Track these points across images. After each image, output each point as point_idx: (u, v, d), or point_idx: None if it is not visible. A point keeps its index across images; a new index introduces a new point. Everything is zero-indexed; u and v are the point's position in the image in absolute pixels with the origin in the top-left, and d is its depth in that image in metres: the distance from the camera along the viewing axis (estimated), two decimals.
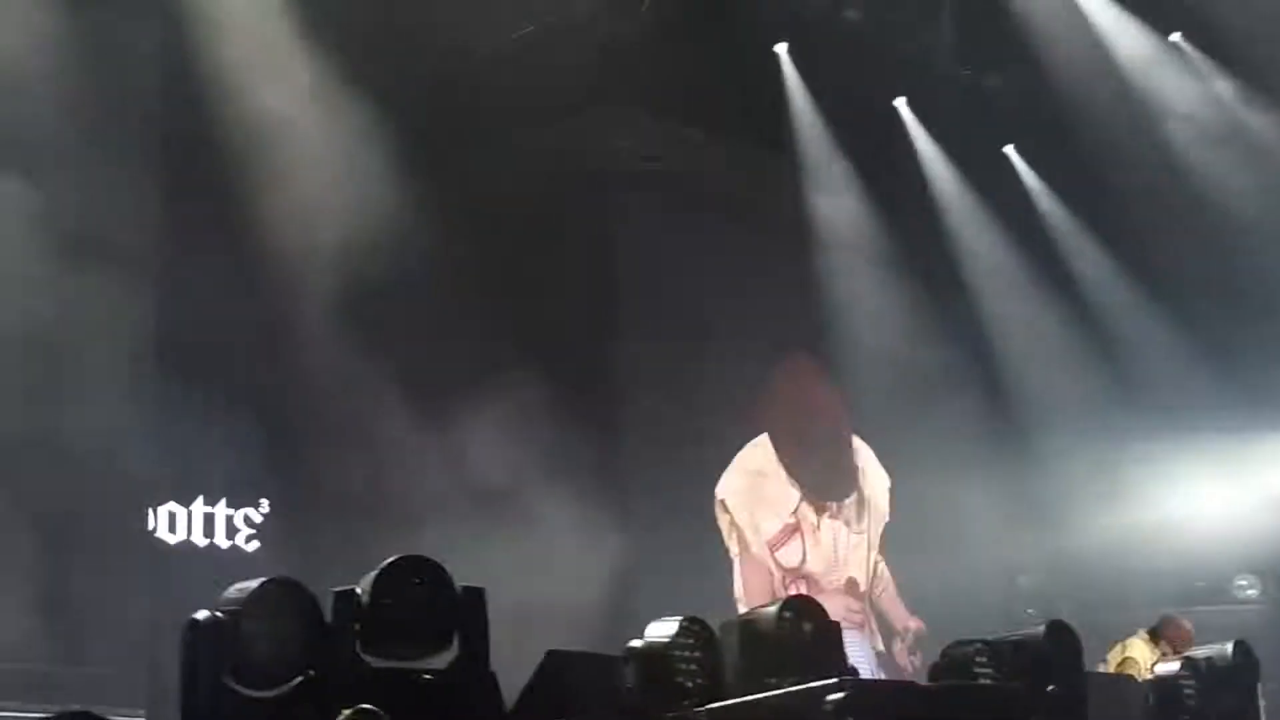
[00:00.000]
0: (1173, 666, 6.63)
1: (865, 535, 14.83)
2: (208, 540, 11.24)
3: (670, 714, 4.59)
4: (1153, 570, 14.67)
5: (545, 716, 5.13)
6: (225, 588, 4.48)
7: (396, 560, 4.57)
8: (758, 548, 13.99)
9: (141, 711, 9.13)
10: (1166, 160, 14.44)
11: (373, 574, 4.54)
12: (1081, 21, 14.02)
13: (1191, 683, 6.55)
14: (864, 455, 15.09)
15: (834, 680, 4.22)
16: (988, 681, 5.50)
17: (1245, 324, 15.13)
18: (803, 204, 14.78)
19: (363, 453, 11.32)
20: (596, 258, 13.51)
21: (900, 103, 15.08)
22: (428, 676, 4.72)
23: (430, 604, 4.56)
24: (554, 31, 12.43)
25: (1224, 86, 14.38)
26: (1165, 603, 14.13)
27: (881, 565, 14.96)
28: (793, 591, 13.41)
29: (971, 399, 15.21)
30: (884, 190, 15.15)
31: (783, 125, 14.30)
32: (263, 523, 11.46)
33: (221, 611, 4.34)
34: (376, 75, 11.11)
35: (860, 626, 14.14)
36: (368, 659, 4.57)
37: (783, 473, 14.23)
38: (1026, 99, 14.85)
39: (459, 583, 4.75)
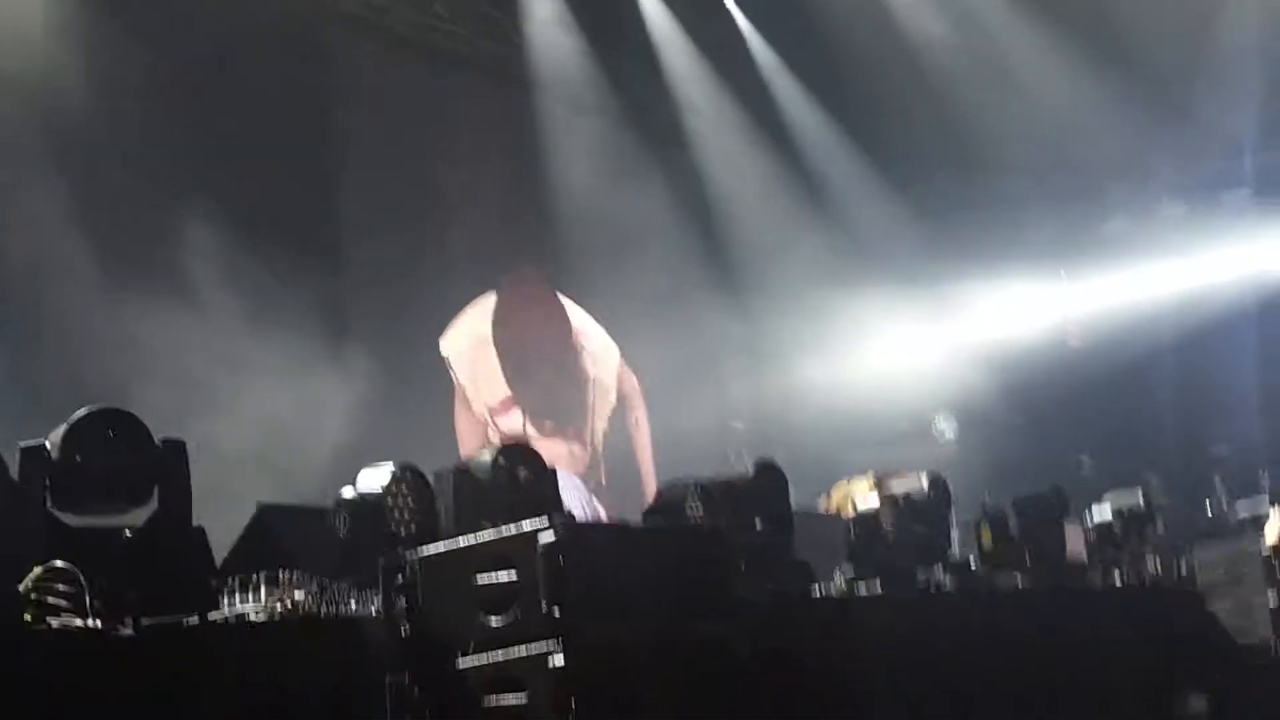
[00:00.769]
0: (873, 503, 6.94)
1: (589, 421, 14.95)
2: None
3: (383, 560, 4.55)
4: (860, 413, 15.26)
5: (257, 570, 5.04)
6: None
7: (88, 413, 4.37)
8: (478, 406, 13.97)
9: None
10: (886, 19, 14.76)
11: (63, 427, 4.33)
12: None
13: (890, 516, 6.88)
14: (591, 355, 14.97)
15: (544, 521, 4.24)
16: (698, 520, 5.65)
17: (955, 182, 15.72)
18: (527, 54, 14.60)
19: (62, 309, 10.77)
20: (315, 108, 13.08)
21: None
22: (128, 534, 4.56)
23: (126, 458, 4.38)
24: None
25: None
26: (871, 444, 14.79)
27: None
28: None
29: (687, 252, 15.41)
30: (606, 41, 15.07)
31: None
32: None
33: None
34: None
35: (579, 470, 14.32)
36: (61, 516, 4.39)
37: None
38: None
39: (158, 436, 4.59)
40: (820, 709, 5.59)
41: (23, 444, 4.31)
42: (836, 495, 10.89)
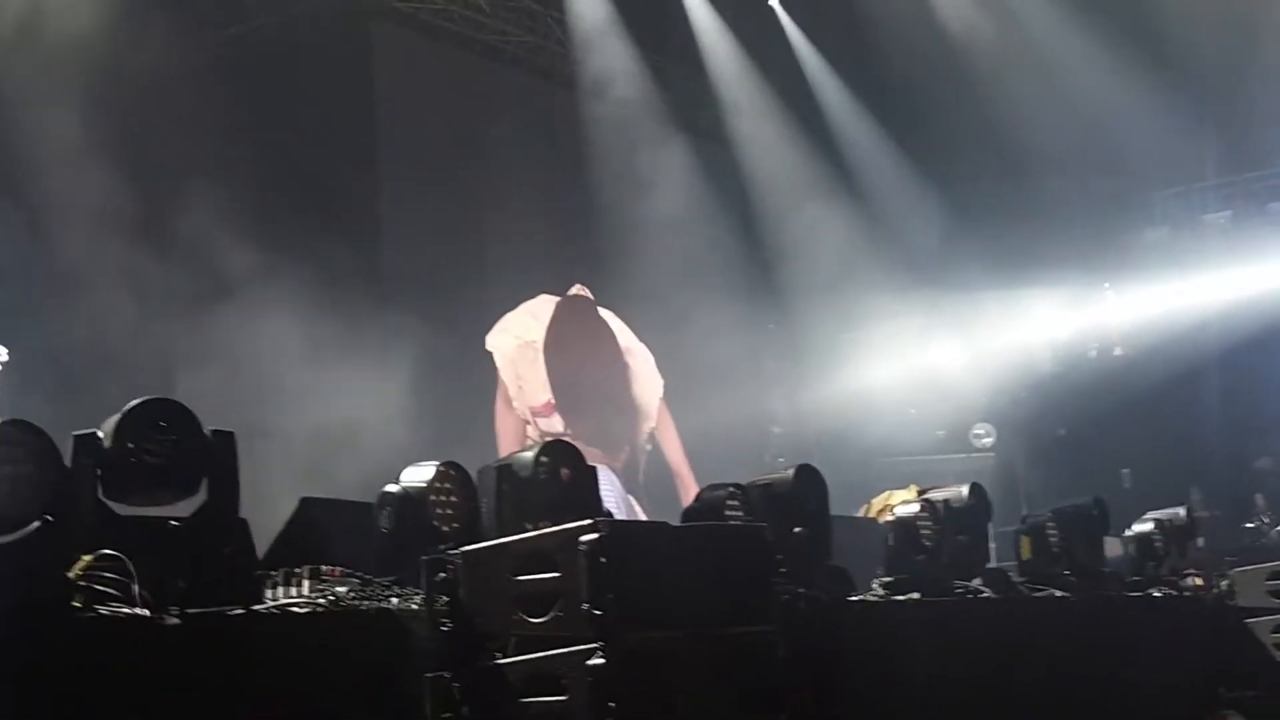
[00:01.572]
0: (912, 508, 6.93)
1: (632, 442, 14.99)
2: None
3: (426, 557, 4.58)
4: (898, 421, 15.25)
5: (299, 563, 5.08)
6: None
7: (141, 403, 4.41)
8: (519, 404, 14.04)
9: None
10: (929, 20, 14.75)
11: (115, 417, 4.38)
12: None
13: (929, 523, 6.87)
14: (636, 375, 15.01)
15: (587, 521, 4.25)
16: (737, 522, 5.66)
17: (997, 187, 15.67)
18: (570, 51, 14.66)
19: (113, 301, 10.86)
20: (359, 101, 13.16)
21: None
22: (174, 523, 4.61)
23: (176, 449, 4.43)
24: None
25: None
26: (909, 451, 14.80)
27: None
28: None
29: (728, 255, 15.43)
30: (652, 42, 15.11)
31: None
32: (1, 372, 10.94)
33: None
34: None
35: (617, 468, 14.37)
36: (111, 505, 4.43)
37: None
38: None
39: (208, 427, 4.63)
40: (856, 713, 5.60)
41: (76, 433, 4.35)
42: (877, 504, 10.90)
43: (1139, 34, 14.56)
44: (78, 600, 4.11)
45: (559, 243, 14.74)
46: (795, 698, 4.64)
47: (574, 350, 14.46)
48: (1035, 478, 14.46)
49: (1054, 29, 14.72)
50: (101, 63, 10.29)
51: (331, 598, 4.86)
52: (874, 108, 15.95)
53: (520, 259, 14.14)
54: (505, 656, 4.39)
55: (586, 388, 14.45)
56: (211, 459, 4.57)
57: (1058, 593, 7.65)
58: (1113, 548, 8.65)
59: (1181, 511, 9.19)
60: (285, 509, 6.28)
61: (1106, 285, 15.64)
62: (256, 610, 4.55)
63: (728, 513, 5.86)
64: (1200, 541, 9.83)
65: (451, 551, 4.55)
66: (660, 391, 15.01)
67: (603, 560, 4.16)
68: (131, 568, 4.20)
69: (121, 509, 4.50)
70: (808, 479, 6.31)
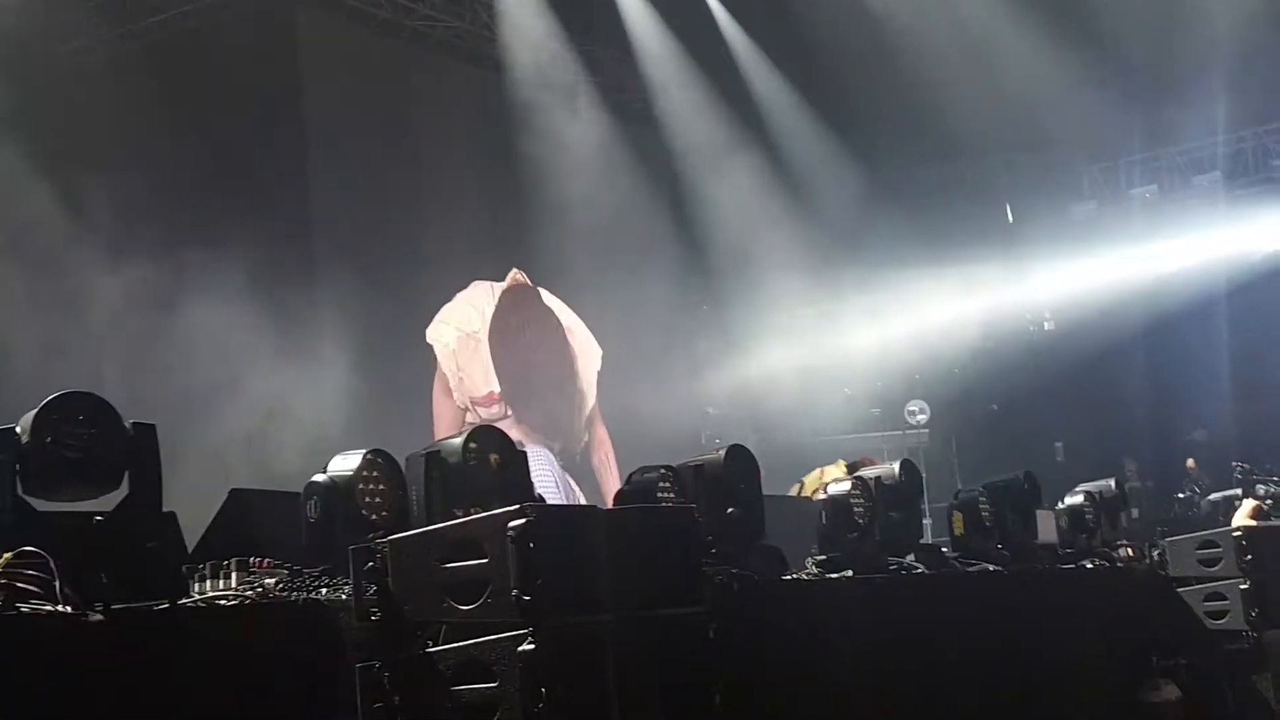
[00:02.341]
0: (844, 486, 6.95)
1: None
2: None
3: (354, 546, 4.53)
4: (833, 400, 15.33)
5: (230, 555, 5.03)
6: None
7: (59, 396, 4.34)
8: (460, 395, 14.00)
9: None
10: (859, 2, 14.78)
11: (33, 411, 4.30)
12: None
13: (861, 501, 6.89)
14: (581, 354, 15.03)
15: (515, 507, 4.23)
16: (669, 504, 5.66)
17: (925, 165, 15.75)
18: (498, 36, 14.58)
19: (43, 291, 10.70)
20: (286, 89, 13.04)
21: None
22: (98, 518, 4.54)
23: (96, 442, 4.36)
24: None
25: None
26: (845, 430, 14.88)
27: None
28: None
29: (659, 236, 15.44)
30: (579, 26, 15.06)
31: None
32: None
33: None
34: None
35: (555, 448, 14.38)
36: (30, 501, 4.36)
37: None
38: None
39: (128, 420, 4.56)
40: (791, 691, 5.62)
41: None
42: (810, 482, 10.95)
43: (1064, 10, 14.67)
44: None
45: (492, 228, 14.70)
46: (728, 677, 4.64)
47: (520, 341, 14.45)
48: (970, 453, 14.58)
49: (980, 6, 14.81)
50: (22, 49, 10.15)
51: (260, 589, 4.82)
52: (801, 88, 15.99)
53: (453, 245, 14.09)
54: (435, 645, 4.36)
55: (534, 377, 14.44)
56: (133, 452, 4.50)
57: (990, 567, 7.71)
58: (1045, 521, 8.72)
59: (1112, 483, 9.28)
60: (217, 501, 6.24)
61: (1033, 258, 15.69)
62: (182, 604, 4.50)
63: (659, 495, 5.85)
64: (1135, 512, 9.94)
65: (380, 540, 4.51)
66: (598, 364, 15.04)
67: (531, 546, 4.13)
68: (53, 564, 4.14)
69: (41, 505, 4.43)
70: (739, 459, 6.31)
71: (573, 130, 14.85)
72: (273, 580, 4.89)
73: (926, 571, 7.16)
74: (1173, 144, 16.01)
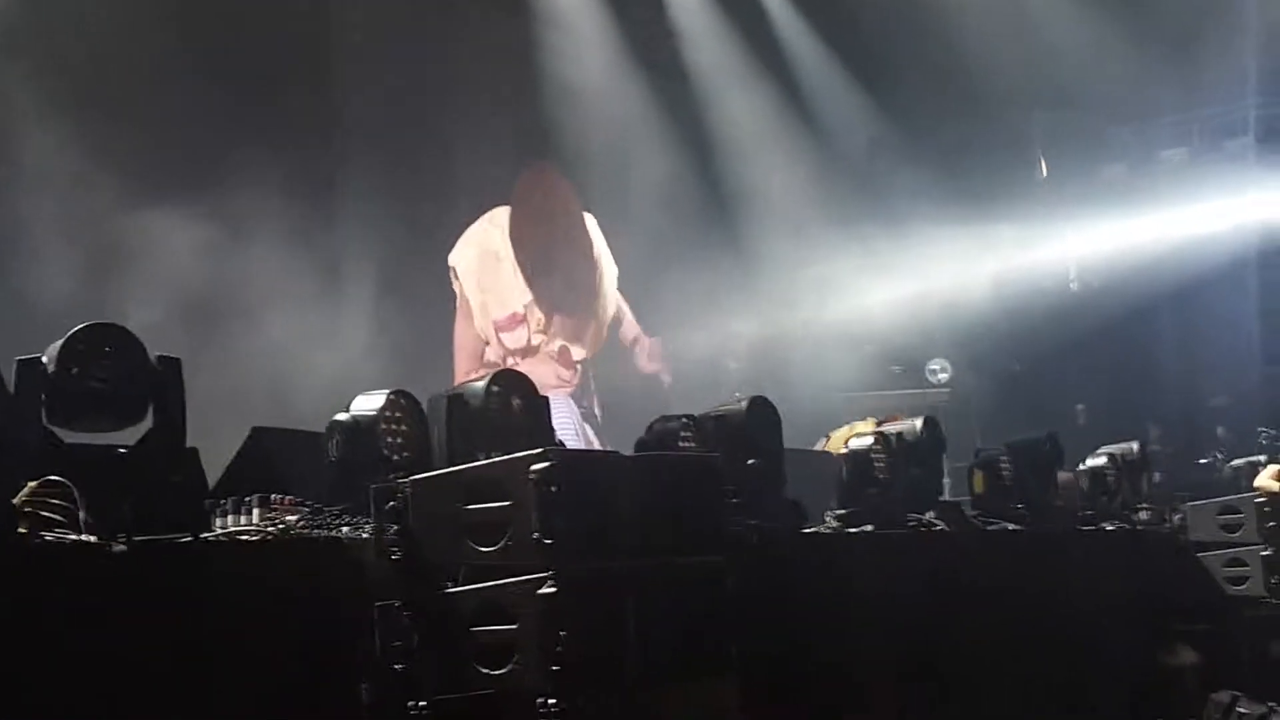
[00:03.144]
0: (866, 441, 6.94)
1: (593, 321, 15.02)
2: None
3: (375, 485, 4.54)
4: (855, 356, 15.26)
5: (250, 492, 5.05)
6: None
7: (85, 327, 4.35)
8: (481, 321, 14.02)
9: None
10: None
11: (59, 342, 4.31)
12: None
13: (882, 456, 6.88)
14: (600, 256, 15.13)
15: (538, 450, 4.22)
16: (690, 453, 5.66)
17: (953, 120, 15.61)
18: None
19: (72, 234, 10.68)
20: (312, 20, 12.94)
21: None
22: (121, 450, 4.56)
23: (121, 374, 4.37)
24: None
25: None
26: (865, 387, 14.83)
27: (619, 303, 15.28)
28: (505, 363, 13.55)
29: (684, 187, 15.36)
30: None
31: None
32: None
33: None
34: None
35: (569, 393, 14.40)
36: (56, 431, 4.38)
37: (519, 273, 14.21)
38: None
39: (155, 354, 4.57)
40: (807, 644, 5.63)
41: (19, 357, 4.29)
42: (838, 438, 10.93)
43: None
44: (23, 526, 4.06)
45: (516, 163, 14.65)
46: (745, 628, 4.65)
47: (543, 208, 14.51)
48: (991, 413, 14.49)
49: None
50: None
51: (281, 526, 4.84)
52: (827, 39, 15.83)
53: (479, 180, 14.04)
54: (455, 585, 4.37)
55: (556, 251, 14.47)
56: (158, 385, 4.51)
57: (1010, 526, 7.70)
58: (1066, 483, 8.70)
59: (1134, 446, 9.25)
60: (237, 438, 6.24)
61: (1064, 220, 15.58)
62: (205, 538, 4.52)
63: (681, 444, 5.86)
64: (1157, 476, 9.90)
65: (402, 480, 4.51)
66: (615, 281, 15.13)
67: (553, 489, 4.13)
68: (77, 494, 4.15)
69: (67, 435, 4.44)
70: (761, 411, 6.31)
71: (597, 79, 14.77)
72: (294, 517, 4.91)
73: (946, 529, 7.16)
74: (1205, 106, 15.84)
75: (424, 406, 5.24)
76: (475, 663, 4.24)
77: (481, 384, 5.17)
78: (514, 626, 4.17)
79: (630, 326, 15.33)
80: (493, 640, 4.22)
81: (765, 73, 15.78)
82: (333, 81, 13.02)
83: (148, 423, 4.56)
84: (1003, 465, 7.98)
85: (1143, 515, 9.05)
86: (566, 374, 14.48)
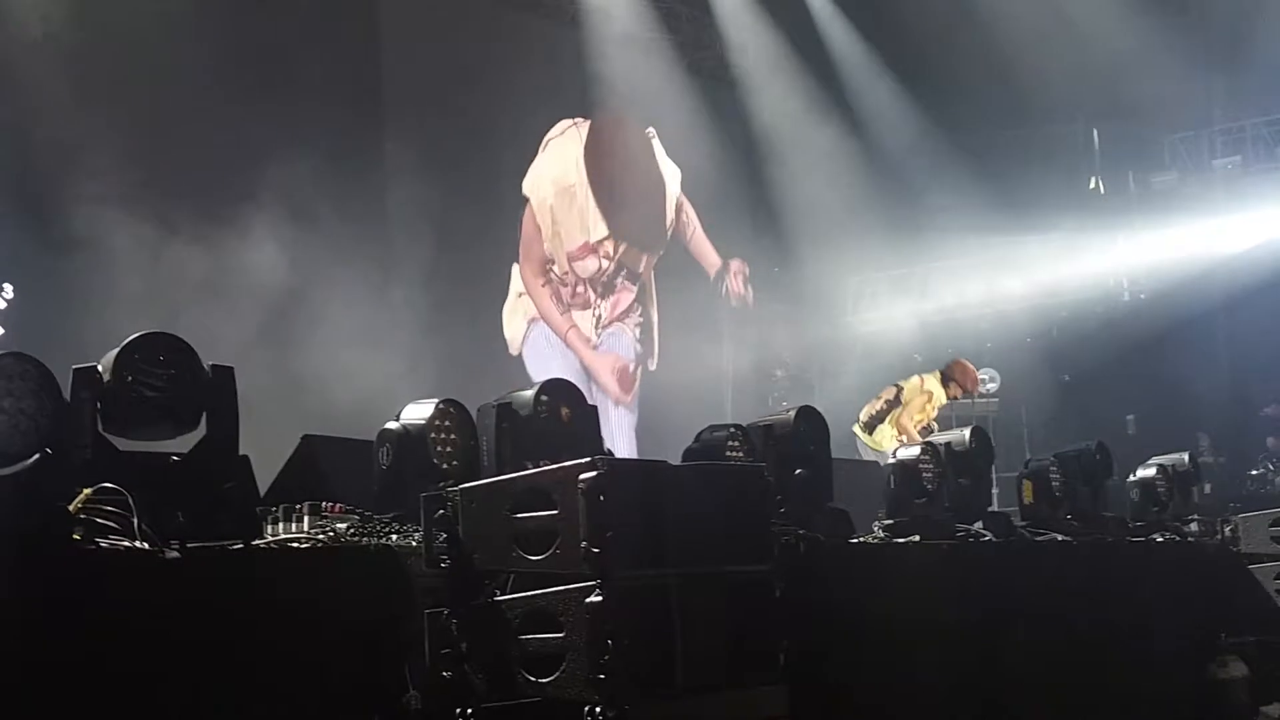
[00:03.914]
0: (913, 450, 6.91)
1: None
2: None
3: (424, 494, 4.57)
4: (903, 366, 15.20)
5: (299, 500, 5.09)
6: None
7: (140, 336, 4.39)
8: (551, 245, 14.21)
9: None
10: None
11: (114, 351, 4.36)
12: None
13: (930, 466, 6.85)
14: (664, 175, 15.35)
15: (587, 460, 4.24)
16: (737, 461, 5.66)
17: (1003, 130, 15.56)
18: None
19: (121, 238, 10.78)
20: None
21: None
22: (174, 458, 4.60)
23: (175, 383, 4.41)
24: None
25: None
26: None
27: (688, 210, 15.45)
28: (565, 293, 13.68)
29: (735, 202, 15.38)
30: None
31: None
32: (5, 309, 10.91)
33: None
34: None
35: (622, 403, 14.51)
36: (110, 439, 4.43)
37: (595, 206, 14.48)
38: None
39: (208, 362, 4.62)
40: (856, 654, 5.61)
41: (75, 366, 4.34)
42: (910, 389, 11.05)
43: None
44: (78, 533, 4.11)
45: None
46: (792, 638, 4.65)
47: (616, 154, 14.76)
48: (1039, 424, 14.43)
49: None
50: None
51: (331, 534, 4.88)
52: (880, 48, 15.82)
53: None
54: (503, 594, 4.39)
55: (628, 188, 14.73)
56: (211, 393, 4.55)
57: (1059, 537, 7.65)
58: (1117, 494, 8.65)
59: (1185, 457, 9.18)
60: (287, 447, 6.31)
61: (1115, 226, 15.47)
62: (256, 545, 4.56)
63: (728, 454, 5.86)
64: (1207, 488, 9.82)
65: (451, 489, 4.54)
66: (678, 184, 15.34)
67: (601, 498, 4.14)
68: (131, 501, 4.20)
69: (121, 444, 4.50)
70: (809, 421, 6.30)
71: (648, 85, 14.80)
72: (344, 525, 4.95)
73: (994, 539, 7.12)
74: (1259, 114, 15.71)
75: (473, 416, 5.27)
76: (523, 670, 4.25)
77: (530, 393, 5.20)
78: (562, 635, 4.18)
79: (700, 241, 15.50)
80: (540, 648, 4.24)
81: (818, 88, 15.78)
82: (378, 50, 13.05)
83: (201, 430, 4.60)
84: (1052, 475, 7.93)
85: (1193, 527, 8.97)
86: (617, 389, 14.60)
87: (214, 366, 4.58)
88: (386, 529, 4.96)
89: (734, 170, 15.53)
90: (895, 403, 11.47)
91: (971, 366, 11.71)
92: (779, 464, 5.83)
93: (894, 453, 7.27)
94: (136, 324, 4.67)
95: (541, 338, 14.19)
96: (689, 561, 4.36)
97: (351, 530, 4.92)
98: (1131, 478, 8.90)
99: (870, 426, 11.59)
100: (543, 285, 13.91)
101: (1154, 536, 8.49)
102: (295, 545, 4.75)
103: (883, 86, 15.81)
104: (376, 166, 12.89)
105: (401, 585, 4.64)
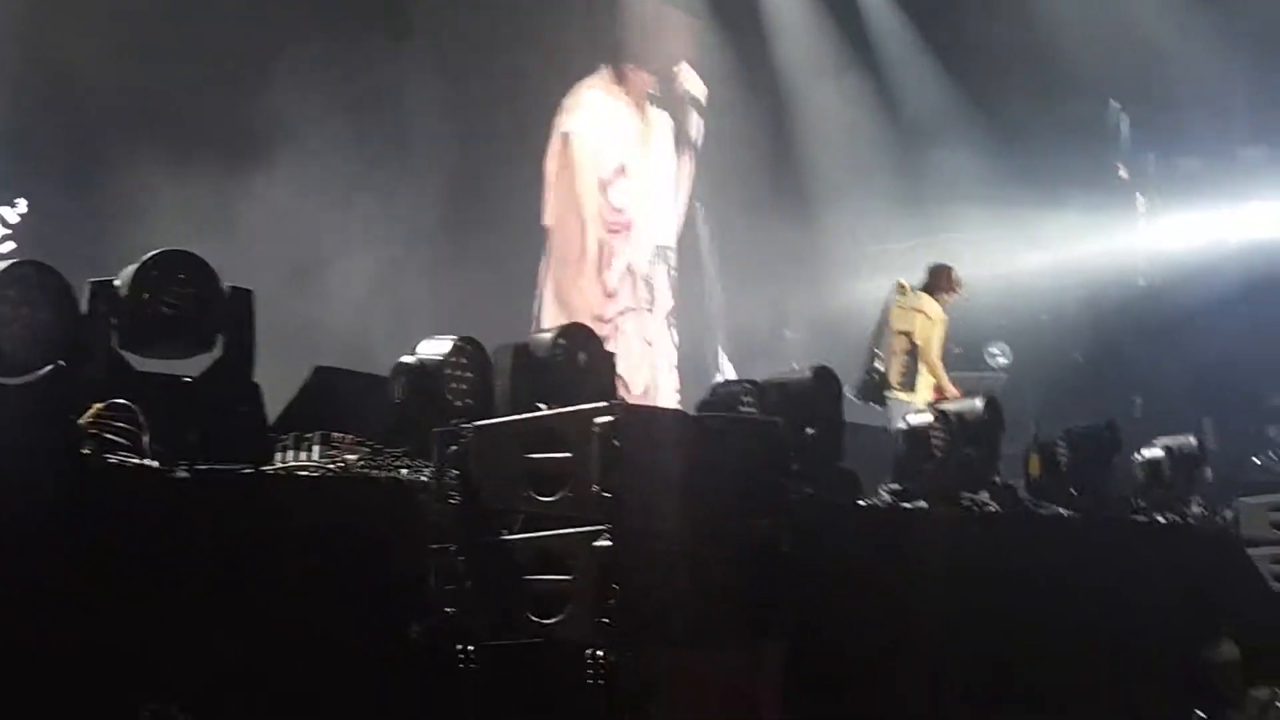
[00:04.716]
0: (926, 417, 6.91)
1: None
2: None
3: (437, 429, 4.55)
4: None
5: (310, 429, 5.07)
6: None
7: (161, 253, 4.37)
8: (582, 181, 14.15)
9: None
10: None
11: (133, 266, 4.33)
12: None
13: (941, 433, 6.84)
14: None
15: (603, 404, 4.22)
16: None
17: (1030, 106, 15.45)
18: None
19: (138, 154, 10.68)
20: None
21: None
22: (187, 380, 4.59)
23: (193, 301, 4.39)
24: None
25: None
26: None
27: None
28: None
29: (756, 159, 15.30)
30: None
31: None
32: (18, 224, 10.84)
33: None
34: None
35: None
36: (125, 355, 4.41)
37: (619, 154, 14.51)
38: None
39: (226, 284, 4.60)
40: (858, 613, 5.61)
41: (92, 280, 4.32)
42: (917, 327, 10.84)
43: None
44: (87, 447, 4.09)
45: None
46: (797, 594, 4.64)
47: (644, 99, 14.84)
48: (1046, 400, 14.37)
49: None
50: None
51: (341, 464, 4.85)
52: (912, 18, 15.71)
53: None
54: (512, 533, 4.38)
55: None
56: (228, 316, 4.53)
57: (1064, 512, 7.65)
58: (1122, 472, 8.64)
59: (1192, 439, 9.18)
60: (297, 382, 6.25)
61: (1139, 201, 15.37)
62: (265, 471, 4.54)
63: (742, 409, 5.85)
64: (1209, 473, 9.80)
65: (465, 425, 4.51)
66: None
67: (615, 443, 4.12)
68: (142, 418, 4.18)
69: (135, 361, 4.47)
70: (824, 381, 6.30)
71: (673, 38, 14.71)
72: (354, 456, 4.92)
73: (999, 510, 7.12)
74: None
75: (489, 355, 5.25)
76: (526, 611, 4.24)
77: (548, 336, 5.18)
78: (568, 577, 4.17)
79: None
80: (545, 590, 4.22)
81: (848, 52, 15.68)
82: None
83: (216, 353, 4.58)
84: (1059, 450, 7.92)
85: (1195, 509, 8.97)
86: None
87: (232, 288, 4.56)
88: (396, 463, 4.93)
89: (755, 126, 15.45)
90: (914, 348, 11.19)
91: (945, 265, 11.60)
92: (791, 422, 5.81)
93: (904, 417, 7.25)
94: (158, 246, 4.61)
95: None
96: (699, 512, 4.34)
97: (361, 462, 4.90)
98: (1137, 457, 8.90)
99: (908, 384, 11.18)
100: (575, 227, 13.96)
101: (1156, 516, 8.49)
102: (304, 474, 4.73)
103: (914, 58, 15.69)
104: (397, 102, 12.78)
105: (409, 519, 4.62)
